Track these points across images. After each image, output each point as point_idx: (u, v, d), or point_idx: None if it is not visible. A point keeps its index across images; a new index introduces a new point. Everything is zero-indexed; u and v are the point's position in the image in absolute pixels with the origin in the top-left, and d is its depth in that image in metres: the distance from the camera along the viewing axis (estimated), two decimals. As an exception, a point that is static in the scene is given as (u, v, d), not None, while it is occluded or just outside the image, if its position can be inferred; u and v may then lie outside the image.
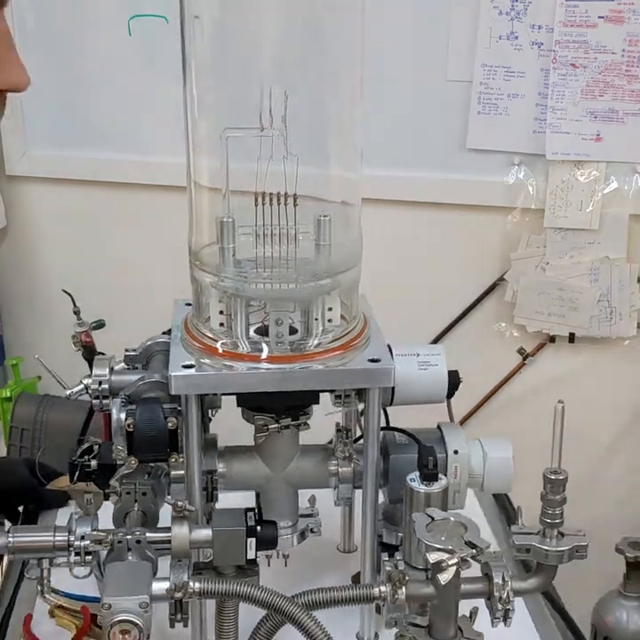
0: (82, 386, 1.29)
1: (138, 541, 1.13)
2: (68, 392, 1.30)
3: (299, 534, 1.32)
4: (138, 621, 1.04)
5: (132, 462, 1.17)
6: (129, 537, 1.12)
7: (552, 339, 2.30)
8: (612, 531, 2.24)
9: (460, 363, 2.56)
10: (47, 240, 2.65)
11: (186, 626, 1.13)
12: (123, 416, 1.16)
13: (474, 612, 1.18)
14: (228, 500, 1.30)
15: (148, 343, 1.34)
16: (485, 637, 1.14)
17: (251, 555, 1.15)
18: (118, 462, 1.22)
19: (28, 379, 2.57)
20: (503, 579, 1.12)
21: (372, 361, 1.21)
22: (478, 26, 2.15)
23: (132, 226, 2.51)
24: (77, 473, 1.27)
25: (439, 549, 1.07)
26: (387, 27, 2.21)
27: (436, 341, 2.36)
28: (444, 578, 1.06)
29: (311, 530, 1.33)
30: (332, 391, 1.27)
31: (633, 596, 2.11)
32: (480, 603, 1.18)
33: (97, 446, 1.29)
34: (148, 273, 2.40)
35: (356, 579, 1.40)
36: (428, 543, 1.08)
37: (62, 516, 1.54)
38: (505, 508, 1.68)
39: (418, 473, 1.19)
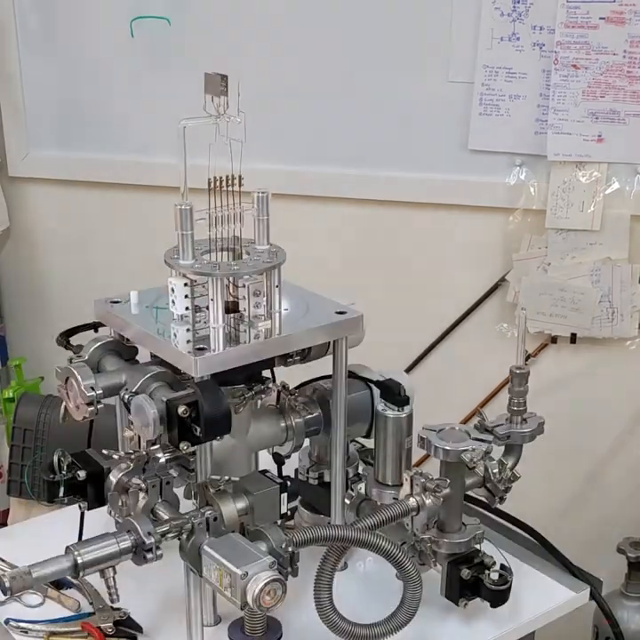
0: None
1: (215, 519, 1.19)
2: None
3: None
4: (281, 578, 1.12)
5: (184, 448, 1.18)
6: (208, 516, 1.19)
7: (554, 339, 2.30)
8: (613, 531, 2.25)
9: (461, 363, 2.57)
10: (49, 241, 2.66)
11: (296, 576, 1.18)
12: (155, 409, 1.17)
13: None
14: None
15: (91, 349, 1.36)
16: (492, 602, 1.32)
17: (284, 509, 1.26)
18: (152, 454, 1.25)
19: (30, 379, 2.58)
20: (501, 463, 1.35)
21: (339, 313, 1.32)
22: (480, 27, 2.15)
23: (135, 227, 2.52)
24: (63, 488, 1.28)
25: (466, 450, 1.28)
26: (388, 28, 2.22)
27: (438, 342, 2.37)
28: (480, 470, 1.31)
29: None
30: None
31: (634, 595, 2.12)
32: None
33: (66, 458, 1.29)
34: (149, 274, 2.40)
35: None
36: (454, 448, 1.29)
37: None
38: None
39: (382, 404, 1.40)
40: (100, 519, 1.36)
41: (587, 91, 2.11)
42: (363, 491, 1.46)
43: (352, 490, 1.46)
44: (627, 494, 2.34)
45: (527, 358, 2.34)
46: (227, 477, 1.24)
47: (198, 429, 1.16)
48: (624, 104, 2.10)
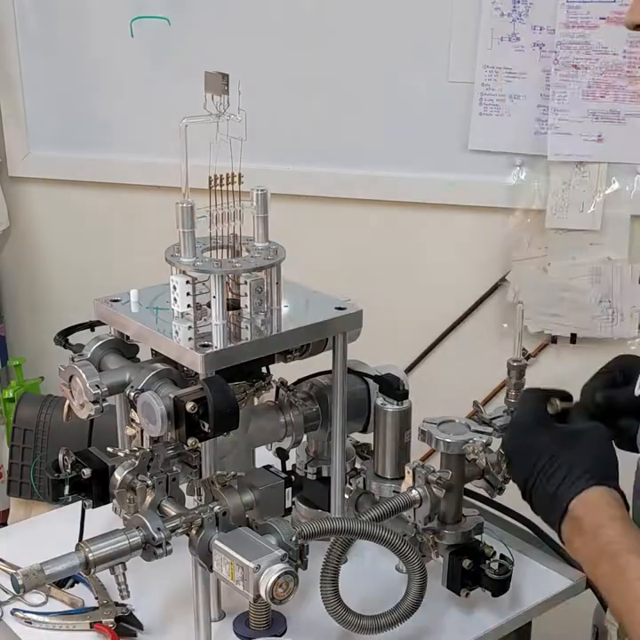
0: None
1: (224, 513, 1.20)
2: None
3: None
4: (293, 571, 1.13)
5: (192, 443, 1.18)
6: (217, 511, 1.20)
7: (554, 339, 2.30)
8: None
9: (461, 363, 2.56)
10: (50, 241, 2.66)
11: (305, 568, 1.19)
12: (163, 405, 1.18)
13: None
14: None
15: (93, 348, 1.36)
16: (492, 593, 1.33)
17: (288, 504, 1.28)
18: (156, 451, 1.26)
19: (30, 379, 2.58)
20: (500, 454, 1.30)
21: (339, 309, 1.32)
22: (480, 27, 2.15)
23: (135, 227, 2.52)
24: (67, 487, 1.28)
25: (467, 442, 1.29)
26: (388, 28, 2.22)
27: (438, 342, 2.37)
28: (482, 462, 1.29)
29: None
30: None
31: (635, 595, 2.11)
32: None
33: (70, 456, 1.29)
34: (150, 274, 2.40)
35: None
36: (456, 440, 1.29)
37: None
38: None
39: (381, 399, 1.42)
40: (99, 517, 1.36)
41: (587, 91, 2.12)
42: (361, 485, 1.47)
43: (350, 484, 1.47)
44: (627, 494, 2.34)
45: (527, 358, 2.33)
46: (233, 473, 1.24)
47: (206, 425, 1.16)
48: (624, 104, 2.11)
